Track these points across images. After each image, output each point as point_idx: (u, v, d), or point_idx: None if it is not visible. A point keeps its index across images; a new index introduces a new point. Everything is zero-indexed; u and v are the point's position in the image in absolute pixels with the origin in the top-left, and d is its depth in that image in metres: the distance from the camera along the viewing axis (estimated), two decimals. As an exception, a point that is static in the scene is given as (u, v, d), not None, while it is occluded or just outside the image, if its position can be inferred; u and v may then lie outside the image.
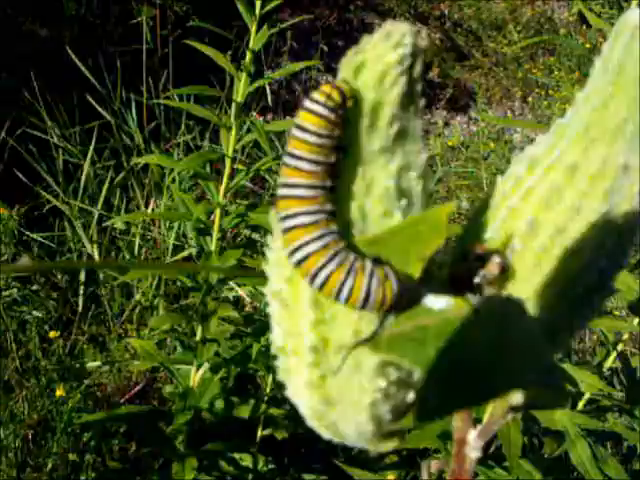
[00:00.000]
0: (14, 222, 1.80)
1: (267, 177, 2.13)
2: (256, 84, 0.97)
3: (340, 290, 0.19)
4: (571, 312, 0.23)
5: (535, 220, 0.22)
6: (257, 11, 0.91)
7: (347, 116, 0.20)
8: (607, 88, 0.22)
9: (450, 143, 3.25)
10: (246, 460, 1.17)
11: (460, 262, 0.22)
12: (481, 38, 3.86)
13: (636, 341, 1.74)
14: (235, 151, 0.99)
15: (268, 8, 0.90)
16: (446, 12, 3.94)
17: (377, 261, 0.19)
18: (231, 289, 1.40)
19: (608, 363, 1.06)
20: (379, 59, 0.19)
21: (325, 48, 3.11)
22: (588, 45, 3.12)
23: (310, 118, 0.19)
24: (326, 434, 0.24)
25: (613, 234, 0.22)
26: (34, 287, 1.76)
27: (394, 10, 3.75)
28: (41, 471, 1.37)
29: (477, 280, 0.21)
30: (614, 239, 0.22)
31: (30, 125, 2.02)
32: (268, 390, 1.17)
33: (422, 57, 0.19)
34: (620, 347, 1.04)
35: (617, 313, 1.81)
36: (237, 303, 1.48)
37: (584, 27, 3.77)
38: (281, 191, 0.20)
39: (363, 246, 0.20)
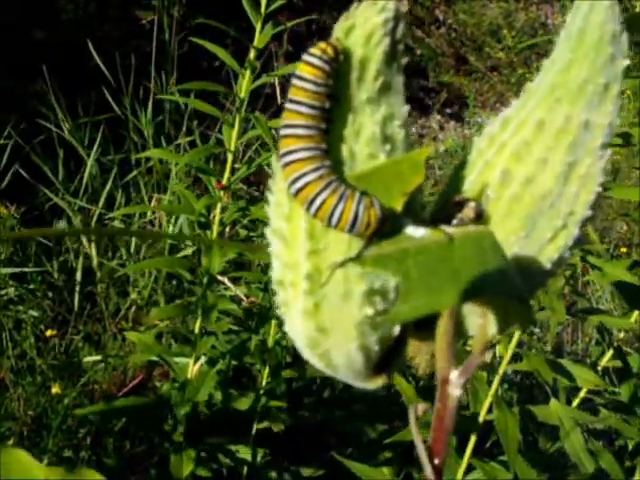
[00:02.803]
0: (13, 220, 1.81)
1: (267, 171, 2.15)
2: (260, 81, 1.01)
3: (332, 214, 0.22)
4: (540, 253, 0.26)
5: (507, 171, 0.25)
6: (262, 10, 0.94)
7: (340, 69, 0.23)
8: (569, 53, 0.25)
9: (445, 147, 3.28)
10: (243, 452, 1.18)
11: (441, 209, 0.25)
12: (475, 43, 3.91)
13: (630, 342, 1.76)
14: (238, 149, 1.02)
15: (273, 7, 0.93)
16: (441, 17, 3.98)
17: (365, 194, 0.22)
18: (227, 288, 1.42)
19: (603, 362, 1.08)
20: (366, 21, 0.23)
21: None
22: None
23: (308, 69, 0.23)
24: (319, 364, 0.26)
25: (576, 184, 0.25)
26: (30, 286, 1.77)
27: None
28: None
29: (454, 222, 0.24)
30: (577, 187, 0.25)
31: (34, 123, 2.04)
32: (264, 383, 1.18)
33: (403, 21, 0.23)
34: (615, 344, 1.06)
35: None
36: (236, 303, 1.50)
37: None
38: (283, 131, 0.23)
39: (352, 181, 0.23)
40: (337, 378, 0.27)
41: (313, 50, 0.22)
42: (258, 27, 0.96)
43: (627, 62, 0.25)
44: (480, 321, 0.25)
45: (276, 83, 2.34)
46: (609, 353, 1.08)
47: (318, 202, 0.22)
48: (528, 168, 0.25)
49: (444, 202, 0.25)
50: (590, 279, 1.67)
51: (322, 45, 0.22)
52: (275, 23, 1.00)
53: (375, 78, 0.23)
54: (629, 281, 0.95)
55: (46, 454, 1.37)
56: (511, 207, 0.25)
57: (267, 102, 2.36)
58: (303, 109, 0.22)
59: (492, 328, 0.25)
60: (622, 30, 0.25)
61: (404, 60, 0.23)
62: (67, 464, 1.37)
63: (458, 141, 3.35)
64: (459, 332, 0.29)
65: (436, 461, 0.32)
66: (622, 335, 1.13)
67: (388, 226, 0.22)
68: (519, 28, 3.91)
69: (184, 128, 2.17)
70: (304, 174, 0.22)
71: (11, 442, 1.38)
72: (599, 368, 1.07)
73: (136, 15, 2.51)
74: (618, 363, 1.07)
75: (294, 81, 0.23)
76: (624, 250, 2.41)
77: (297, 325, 0.25)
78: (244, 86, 0.97)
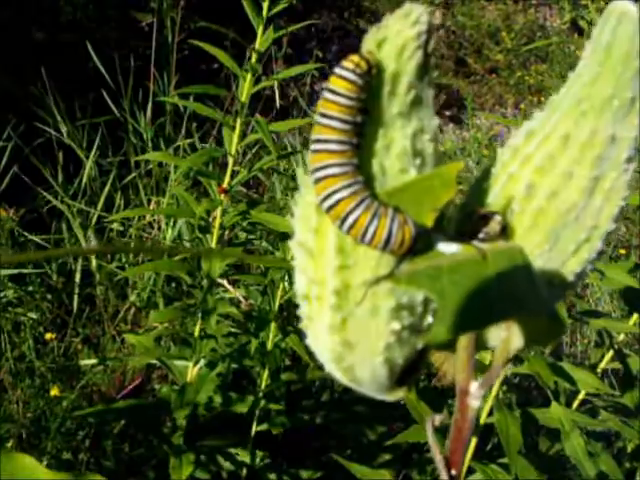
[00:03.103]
0: (12, 223, 1.81)
1: (264, 179, 2.15)
2: (261, 85, 1.00)
3: (366, 231, 0.22)
4: (563, 267, 0.26)
5: (532, 184, 0.25)
6: (264, 13, 0.94)
7: (371, 83, 0.23)
8: (596, 67, 0.25)
9: (443, 149, 3.28)
10: (242, 455, 1.18)
11: (465, 221, 0.25)
12: (474, 45, 3.91)
13: (630, 344, 1.77)
14: (237, 152, 1.02)
15: (275, 10, 0.93)
16: (439, 19, 3.98)
17: (396, 210, 0.22)
18: (226, 291, 1.42)
19: (603, 364, 1.08)
20: (399, 34, 0.22)
21: (320, 54, 3.15)
22: (580, 52, 3.16)
23: (340, 83, 0.22)
24: (343, 378, 0.26)
25: (601, 197, 0.25)
26: (29, 288, 1.76)
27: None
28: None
29: (480, 237, 0.24)
30: (601, 201, 0.25)
31: (33, 125, 2.03)
32: (264, 386, 1.18)
33: (434, 34, 0.22)
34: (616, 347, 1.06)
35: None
36: (235, 306, 1.50)
37: (576, 35, 3.83)
38: (314, 146, 0.23)
39: (384, 197, 0.22)
40: (358, 390, 0.27)
41: (346, 63, 0.22)
42: (260, 30, 0.96)
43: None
44: (504, 334, 0.25)
45: (275, 86, 2.34)
46: (608, 355, 1.08)
47: (351, 219, 0.22)
48: (553, 182, 0.25)
49: (467, 215, 0.25)
50: (589, 282, 1.67)
51: (355, 58, 0.22)
52: (276, 27, 1.00)
53: (407, 92, 0.23)
54: (630, 284, 0.95)
55: (45, 456, 1.37)
56: (536, 220, 0.25)
57: (266, 104, 2.36)
58: (336, 124, 0.22)
59: (516, 341, 0.25)
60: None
61: (435, 73, 0.23)
62: (66, 466, 1.37)
63: (457, 143, 3.35)
64: (480, 344, 0.29)
65: (453, 472, 0.32)
66: (622, 338, 1.13)
67: (421, 243, 0.22)
68: (518, 30, 3.92)
69: (183, 130, 2.17)
70: (337, 190, 0.22)
71: (10, 444, 1.38)
72: (598, 371, 1.08)
73: (135, 17, 2.51)
74: (617, 365, 1.08)
75: (326, 95, 0.22)
76: (623, 252, 2.41)
77: (322, 339, 0.25)
78: (245, 90, 0.97)
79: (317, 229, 0.24)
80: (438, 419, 0.32)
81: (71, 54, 2.11)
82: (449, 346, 0.26)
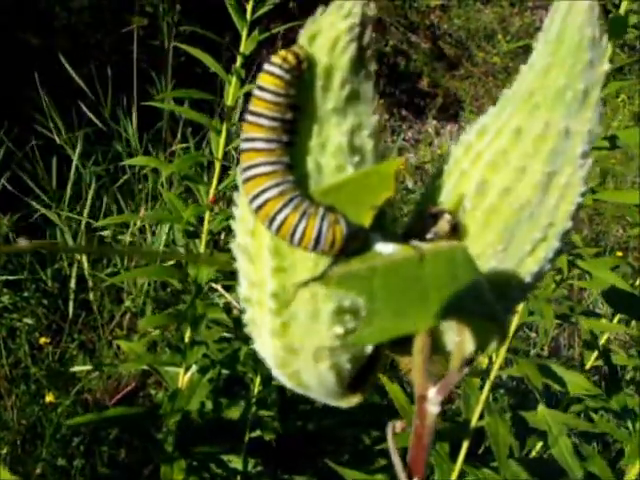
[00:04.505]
0: (6, 229, 1.81)
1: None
2: (246, 88, 1.00)
3: (294, 232, 0.21)
4: (519, 267, 0.25)
5: (484, 181, 0.24)
6: (248, 16, 0.94)
7: (304, 78, 0.22)
8: (547, 58, 0.24)
9: (440, 152, 3.28)
10: (235, 462, 1.17)
11: (416, 221, 0.24)
12: (470, 48, 3.91)
13: (622, 345, 1.76)
14: (232, 157, 1.01)
15: (260, 13, 0.93)
16: (436, 22, 3.98)
17: (331, 209, 0.21)
18: (220, 296, 1.41)
19: (588, 364, 1.08)
20: (331, 27, 0.22)
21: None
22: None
23: (268, 79, 0.21)
24: (290, 384, 0.25)
25: (556, 194, 0.24)
26: (24, 294, 1.76)
27: (383, 20, 3.79)
28: (30, 477, 1.37)
29: (429, 236, 0.23)
30: (556, 198, 0.24)
31: (26, 130, 2.03)
32: (256, 392, 1.17)
33: (371, 26, 0.21)
34: (602, 345, 1.06)
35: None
36: (229, 311, 1.49)
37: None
38: (243, 145, 0.22)
39: (318, 196, 0.22)
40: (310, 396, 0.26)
41: (274, 58, 0.21)
42: (244, 33, 0.95)
43: (607, 67, 0.23)
44: (457, 338, 0.24)
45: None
46: (593, 356, 1.07)
47: (279, 220, 0.21)
48: (505, 178, 0.24)
49: (419, 214, 0.24)
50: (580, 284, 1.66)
51: (283, 53, 0.21)
52: (262, 29, 0.99)
53: (341, 87, 0.22)
54: (613, 282, 0.93)
55: (40, 463, 1.36)
56: (488, 219, 0.24)
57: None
58: (263, 121, 0.21)
59: (470, 345, 0.24)
60: (603, 33, 0.24)
61: (373, 67, 0.22)
62: (61, 473, 1.37)
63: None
64: (437, 348, 0.28)
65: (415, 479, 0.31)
66: (613, 338, 1.12)
67: (356, 243, 0.21)
68: (514, 33, 3.92)
69: (179, 135, 2.16)
70: (264, 190, 0.21)
71: (4, 451, 1.38)
72: (591, 372, 1.07)
73: (130, 22, 2.51)
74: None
75: (254, 92, 0.22)
76: (620, 254, 2.41)
77: (266, 344, 0.24)
78: (231, 93, 0.96)
79: (253, 231, 0.23)
80: (399, 426, 0.31)
81: (66, 58, 2.10)
82: (403, 350, 0.25)
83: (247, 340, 1.17)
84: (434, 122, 3.59)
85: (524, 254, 0.25)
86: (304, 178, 0.22)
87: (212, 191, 1.03)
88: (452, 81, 3.80)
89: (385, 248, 0.21)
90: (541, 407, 0.90)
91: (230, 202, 1.70)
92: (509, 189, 0.24)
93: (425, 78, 3.71)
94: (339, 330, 0.23)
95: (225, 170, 1.10)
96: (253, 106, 0.22)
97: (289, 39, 3.09)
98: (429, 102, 3.63)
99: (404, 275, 0.19)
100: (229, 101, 0.97)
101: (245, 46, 0.95)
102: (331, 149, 0.22)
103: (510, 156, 0.24)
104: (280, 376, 0.25)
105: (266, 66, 0.21)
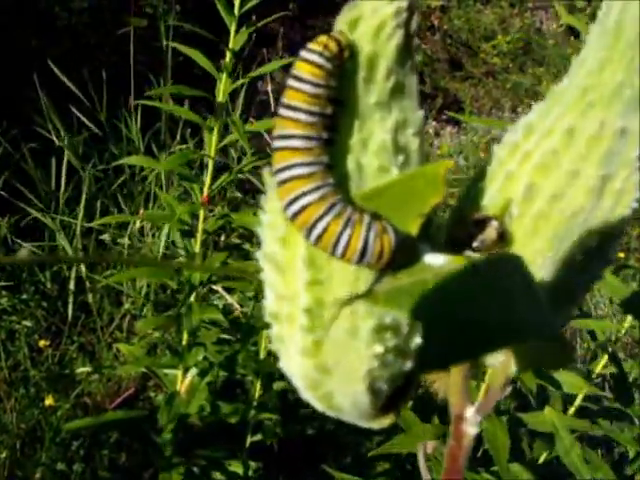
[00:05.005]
0: (5, 231, 1.79)
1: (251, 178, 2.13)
2: (236, 84, 0.98)
3: (337, 242, 0.19)
4: (570, 278, 0.22)
5: (532, 185, 0.22)
6: (236, 11, 0.92)
7: (344, 68, 0.19)
8: (603, 52, 0.22)
9: (439, 152, 3.26)
10: (235, 466, 1.16)
11: (458, 227, 0.22)
12: (471, 49, 3.89)
13: (627, 348, 1.74)
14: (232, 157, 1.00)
15: (248, 7, 0.91)
16: (436, 23, 3.97)
17: (376, 217, 0.19)
18: (220, 297, 1.40)
19: (598, 368, 1.06)
20: (375, 12, 0.19)
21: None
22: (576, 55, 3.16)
23: (306, 67, 0.19)
24: (320, 406, 0.23)
25: (611, 199, 0.22)
26: (24, 296, 1.74)
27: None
28: (29, 481, 1.36)
29: (475, 245, 0.21)
30: (611, 203, 0.22)
31: (25, 130, 2.02)
32: (257, 395, 1.16)
33: (417, 13, 0.19)
34: (610, 350, 1.04)
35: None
36: (229, 312, 1.47)
37: (572, 38, 3.82)
38: (276, 143, 0.19)
39: (360, 201, 0.19)
40: (340, 419, 0.24)
41: (312, 45, 0.19)
42: (232, 29, 0.93)
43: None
44: (502, 357, 0.22)
45: (269, 89, 2.32)
46: (603, 359, 1.05)
47: (320, 228, 0.18)
48: (556, 182, 0.22)
49: (460, 220, 0.22)
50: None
51: (323, 39, 0.19)
52: (250, 24, 0.98)
53: (386, 78, 0.19)
54: (614, 284, 0.92)
55: (39, 467, 1.35)
56: (536, 225, 0.22)
57: (262, 108, 2.34)
58: (300, 115, 0.19)
59: (513, 367, 0.22)
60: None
61: (417, 59, 0.20)
62: (60, 477, 1.35)
63: (454, 147, 3.33)
64: (475, 362, 0.26)
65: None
66: (616, 340, 1.11)
67: (404, 255, 0.19)
68: (514, 34, 3.90)
69: (178, 136, 2.15)
70: (302, 194, 0.19)
71: (4, 455, 1.36)
72: (594, 375, 1.05)
73: (130, 22, 2.49)
74: (613, 369, 1.05)
75: (290, 82, 0.19)
76: (621, 255, 2.40)
77: (294, 364, 0.22)
78: (221, 89, 0.94)
79: (285, 239, 0.21)
80: (430, 446, 0.29)
81: (66, 59, 2.09)
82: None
83: (243, 342, 1.15)
84: (434, 123, 3.58)
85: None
86: (343, 180, 0.20)
87: (205, 189, 1.01)
88: (452, 82, 3.78)
89: (435, 260, 0.19)
90: (548, 409, 0.88)
91: (230, 202, 1.68)
92: (560, 194, 0.22)
93: (425, 79, 3.70)
94: (379, 349, 0.21)
95: (226, 169, 1.08)
96: (288, 99, 0.19)
97: (289, 39, 3.07)
98: (429, 103, 3.62)
99: (458, 291, 0.17)
100: (220, 97, 0.95)
101: (234, 42, 0.93)
102: (373, 148, 0.20)
103: (561, 158, 0.22)
104: (310, 398, 0.23)
105: (304, 53, 0.19)
